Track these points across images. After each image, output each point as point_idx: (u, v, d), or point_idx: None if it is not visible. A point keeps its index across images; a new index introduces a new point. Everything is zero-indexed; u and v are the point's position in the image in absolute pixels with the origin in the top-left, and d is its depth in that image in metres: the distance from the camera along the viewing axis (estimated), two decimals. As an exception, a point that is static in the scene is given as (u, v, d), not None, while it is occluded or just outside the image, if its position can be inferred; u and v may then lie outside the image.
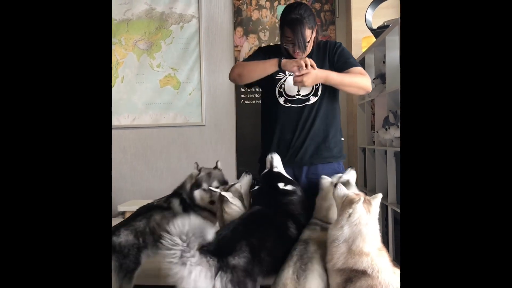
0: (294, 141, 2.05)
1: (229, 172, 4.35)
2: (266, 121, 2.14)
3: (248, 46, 4.42)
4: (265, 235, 1.70)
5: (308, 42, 1.99)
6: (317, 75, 1.88)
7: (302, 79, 1.86)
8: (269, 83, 2.10)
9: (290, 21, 1.95)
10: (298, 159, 2.05)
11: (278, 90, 2.07)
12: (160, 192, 4.49)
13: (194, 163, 2.40)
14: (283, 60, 1.93)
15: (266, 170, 1.97)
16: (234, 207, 1.95)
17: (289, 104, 2.05)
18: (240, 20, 4.45)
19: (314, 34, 2.03)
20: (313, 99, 2.03)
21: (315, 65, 1.88)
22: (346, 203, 1.71)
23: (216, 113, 4.53)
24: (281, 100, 2.06)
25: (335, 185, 1.84)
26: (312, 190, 2.03)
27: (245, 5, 4.44)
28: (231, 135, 4.53)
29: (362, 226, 1.66)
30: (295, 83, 1.90)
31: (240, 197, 2.00)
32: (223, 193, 1.96)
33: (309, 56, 2.06)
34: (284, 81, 2.05)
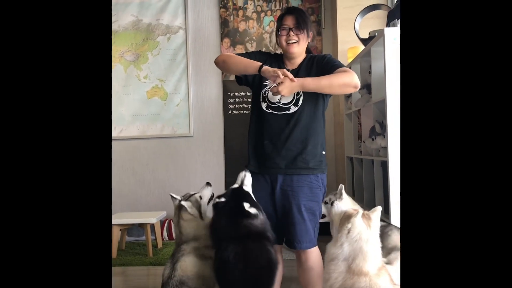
0: (271, 148, 2.06)
1: (218, 183, 4.34)
2: (250, 124, 2.19)
3: (235, 57, 4.43)
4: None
5: (309, 29, 2.08)
6: (292, 84, 1.91)
7: (278, 88, 1.90)
8: (256, 88, 2.14)
9: (292, 10, 2.12)
10: (273, 167, 2.05)
11: (262, 95, 2.11)
12: (147, 204, 4.48)
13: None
14: (264, 67, 1.96)
15: (236, 185, 1.99)
16: (191, 216, 2.05)
17: (270, 110, 2.08)
18: (227, 31, 4.47)
19: (307, 40, 2.10)
20: (293, 109, 2.05)
21: (290, 75, 1.91)
22: (345, 218, 1.67)
23: (204, 124, 4.52)
24: (264, 106, 2.10)
25: (332, 203, 1.82)
26: (286, 202, 2.03)
27: (232, 16, 4.46)
28: (219, 146, 4.52)
29: (362, 242, 1.61)
30: (273, 92, 1.96)
31: (198, 208, 2.08)
32: (182, 202, 2.05)
33: (297, 69, 2.09)
34: (270, 87, 2.08)
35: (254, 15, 4.45)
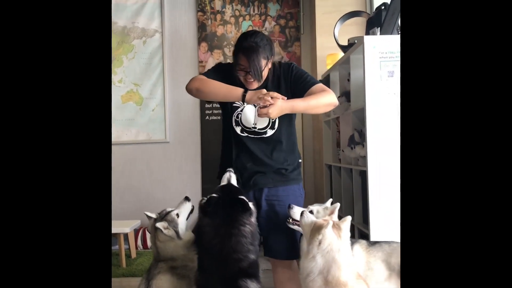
0: (252, 169, 2.00)
1: (194, 190, 4.26)
2: (225, 145, 2.09)
3: (213, 61, 4.35)
4: None
5: (263, 71, 1.92)
6: (282, 106, 1.81)
7: (268, 110, 1.78)
8: (227, 109, 2.04)
9: (245, 48, 1.89)
10: (258, 184, 2.00)
11: (235, 119, 2.01)
12: (122, 212, 4.35)
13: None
14: (248, 94, 1.85)
15: (224, 183, 1.87)
16: (167, 237, 1.92)
17: (246, 134, 2.01)
18: (205, 35, 4.39)
19: (269, 65, 1.95)
20: (270, 132, 1.99)
21: (280, 96, 1.81)
22: (315, 230, 1.64)
23: (180, 130, 4.43)
24: (238, 130, 2.01)
25: (301, 213, 1.78)
26: (271, 212, 1.99)
27: (209, 20, 4.39)
28: (196, 152, 4.43)
29: (334, 253, 1.60)
30: (260, 114, 1.82)
31: (175, 227, 1.93)
32: (157, 224, 1.91)
33: (265, 83, 1.98)
34: (241, 110, 1.99)
35: (232, 20, 4.39)
